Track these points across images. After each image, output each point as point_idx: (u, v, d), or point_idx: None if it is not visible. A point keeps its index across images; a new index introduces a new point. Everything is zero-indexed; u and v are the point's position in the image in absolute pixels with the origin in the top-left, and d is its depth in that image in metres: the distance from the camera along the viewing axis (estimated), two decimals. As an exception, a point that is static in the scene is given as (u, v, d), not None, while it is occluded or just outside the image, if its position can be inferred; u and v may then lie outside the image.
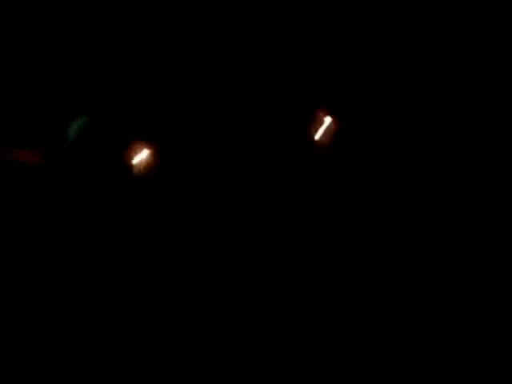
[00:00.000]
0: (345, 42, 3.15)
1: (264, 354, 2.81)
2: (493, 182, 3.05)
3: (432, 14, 3.14)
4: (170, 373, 2.77)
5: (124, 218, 2.95)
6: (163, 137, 3.05)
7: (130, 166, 2.81)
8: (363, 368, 2.82)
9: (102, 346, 2.77)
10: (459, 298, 2.91)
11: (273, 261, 2.98)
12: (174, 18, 3.08)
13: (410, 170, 3.10)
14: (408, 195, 3.07)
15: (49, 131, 2.94)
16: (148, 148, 2.83)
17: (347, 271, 2.98)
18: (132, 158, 2.83)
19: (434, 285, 2.94)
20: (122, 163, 2.83)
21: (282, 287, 2.94)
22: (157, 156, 2.92)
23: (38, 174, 2.88)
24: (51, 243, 2.86)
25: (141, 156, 2.77)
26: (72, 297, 2.82)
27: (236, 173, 3.07)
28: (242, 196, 3.05)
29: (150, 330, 2.83)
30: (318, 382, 2.80)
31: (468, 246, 2.98)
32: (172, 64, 3.09)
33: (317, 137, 2.89)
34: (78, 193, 2.88)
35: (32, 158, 2.86)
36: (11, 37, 2.96)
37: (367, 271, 2.97)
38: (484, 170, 3.06)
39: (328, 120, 2.87)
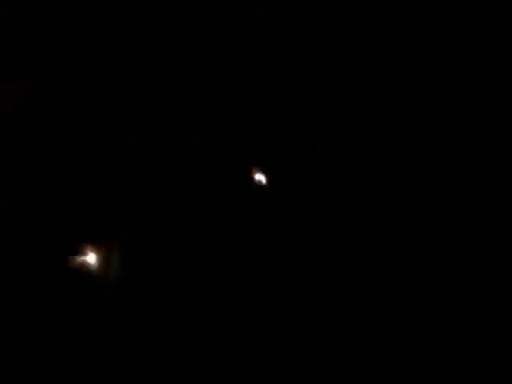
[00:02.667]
0: (344, 42, 3.15)
1: (264, 354, 2.82)
2: (493, 181, 3.05)
3: (432, 14, 3.14)
4: (170, 373, 2.77)
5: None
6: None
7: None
8: (363, 368, 2.82)
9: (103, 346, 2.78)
10: (459, 298, 2.91)
11: (273, 261, 2.98)
12: (173, 18, 3.08)
13: (410, 170, 3.10)
14: (407, 195, 3.07)
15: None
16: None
17: (347, 271, 2.98)
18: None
19: (434, 285, 2.94)
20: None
21: (282, 288, 2.94)
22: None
23: None
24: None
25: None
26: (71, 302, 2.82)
27: (235, 173, 3.07)
28: (241, 198, 3.05)
29: (150, 330, 2.83)
30: (318, 382, 2.80)
31: (468, 245, 2.99)
32: (172, 66, 3.09)
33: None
34: None
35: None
36: (11, 37, 2.96)
37: (367, 271, 2.97)
38: (484, 169, 3.06)
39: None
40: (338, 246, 3.01)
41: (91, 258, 2.79)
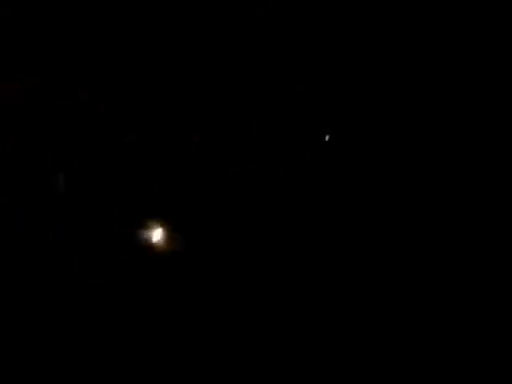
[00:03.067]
0: (344, 42, 3.15)
1: (264, 354, 2.82)
2: (493, 182, 3.05)
3: (432, 15, 3.14)
4: (171, 373, 2.77)
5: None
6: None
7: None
8: (363, 368, 2.82)
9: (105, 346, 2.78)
10: (459, 298, 2.92)
11: (273, 261, 2.98)
12: (173, 18, 3.08)
13: (409, 170, 3.10)
14: (407, 195, 3.07)
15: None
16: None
17: (347, 272, 2.98)
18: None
19: (434, 285, 2.94)
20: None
21: (282, 287, 2.94)
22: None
23: None
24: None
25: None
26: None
27: (235, 173, 3.07)
28: (242, 196, 3.05)
29: (150, 330, 2.83)
30: (318, 382, 2.80)
31: (468, 245, 2.99)
32: (171, 67, 3.09)
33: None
34: None
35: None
36: (11, 37, 2.96)
37: (367, 272, 2.97)
38: (484, 170, 3.06)
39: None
40: (337, 245, 3.01)
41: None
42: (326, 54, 3.15)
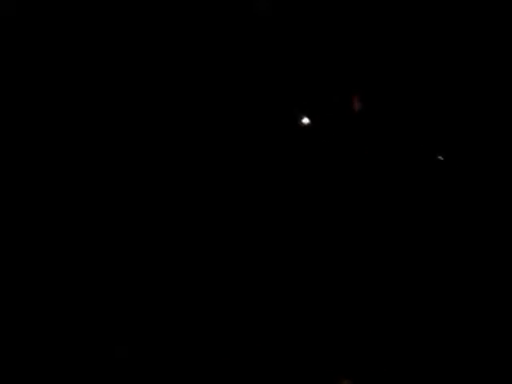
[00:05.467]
0: (345, 42, 3.15)
1: (264, 354, 2.82)
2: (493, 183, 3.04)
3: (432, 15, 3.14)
4: (171, 373, 2.77)
5: None
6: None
7: None
8: (363, 368, 2.82)
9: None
10: (459, 299, 2.92)
11: (273, 261, 2.98)
12: (173, 17, 3.08)
13: (411, 171, 3.10)
14: (407, 198, 3.07)
15: None
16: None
17: (348, 272, 2.98)
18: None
19: (434, 286, 2.94)
20: None
21: (282, 287, 2.95)
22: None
23: None
24: None
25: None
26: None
27: (235, 173, 3.08)
28: (242, 196, 3.06)
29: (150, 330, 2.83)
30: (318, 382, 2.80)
31: (468, 246, 2.99)
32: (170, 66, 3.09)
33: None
34: None
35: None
36: (11, 37, 2.97)
37: (368, 272, 2.97)
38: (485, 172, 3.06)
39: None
40: (338, 246, 3.01)
41: None
42: (326, 53, 3.15)
